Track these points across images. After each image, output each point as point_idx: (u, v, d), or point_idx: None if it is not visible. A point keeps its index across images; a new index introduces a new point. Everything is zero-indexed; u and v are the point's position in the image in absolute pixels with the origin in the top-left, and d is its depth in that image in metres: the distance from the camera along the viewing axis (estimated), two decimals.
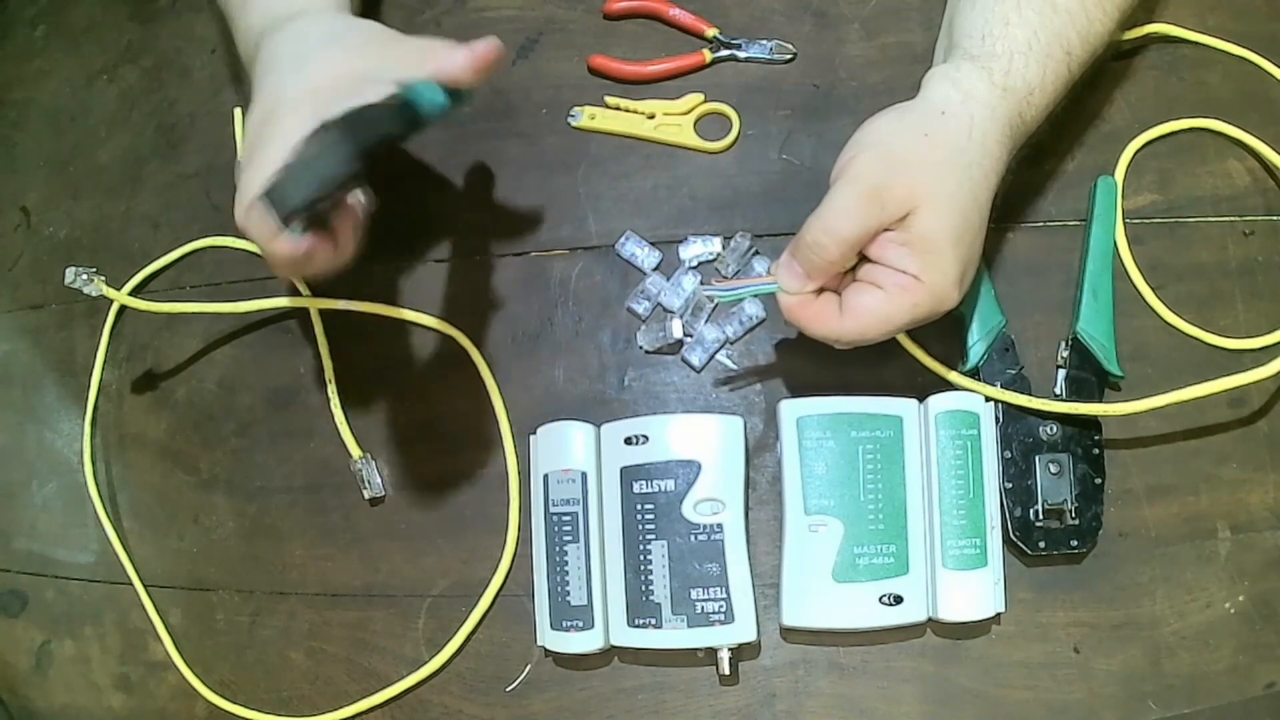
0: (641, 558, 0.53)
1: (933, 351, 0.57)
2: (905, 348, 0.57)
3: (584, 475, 0.55)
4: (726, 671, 0.54)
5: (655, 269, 0.60)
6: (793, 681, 0.55)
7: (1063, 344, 0.57)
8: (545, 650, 0.55)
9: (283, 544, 0.60)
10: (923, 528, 0.53)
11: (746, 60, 0.63)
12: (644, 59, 0.63)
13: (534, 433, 0.57)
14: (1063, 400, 0.55)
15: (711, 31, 0.63)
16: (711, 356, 0.59)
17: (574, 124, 0.63)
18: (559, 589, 0.54)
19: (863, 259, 0.49)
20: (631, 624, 0.53)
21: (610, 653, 0.56)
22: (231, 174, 0.65)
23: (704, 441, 0.54)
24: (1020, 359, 0.56)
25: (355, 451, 0.59)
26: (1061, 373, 0.56)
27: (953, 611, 0.52)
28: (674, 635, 0.53)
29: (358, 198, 0.51)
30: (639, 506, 0.54)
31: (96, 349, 0.64)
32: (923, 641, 0.55)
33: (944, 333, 0.57)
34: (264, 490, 0.61)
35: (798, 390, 0.58)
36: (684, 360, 0.59)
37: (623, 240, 0.60)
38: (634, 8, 0.65)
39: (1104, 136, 0.61)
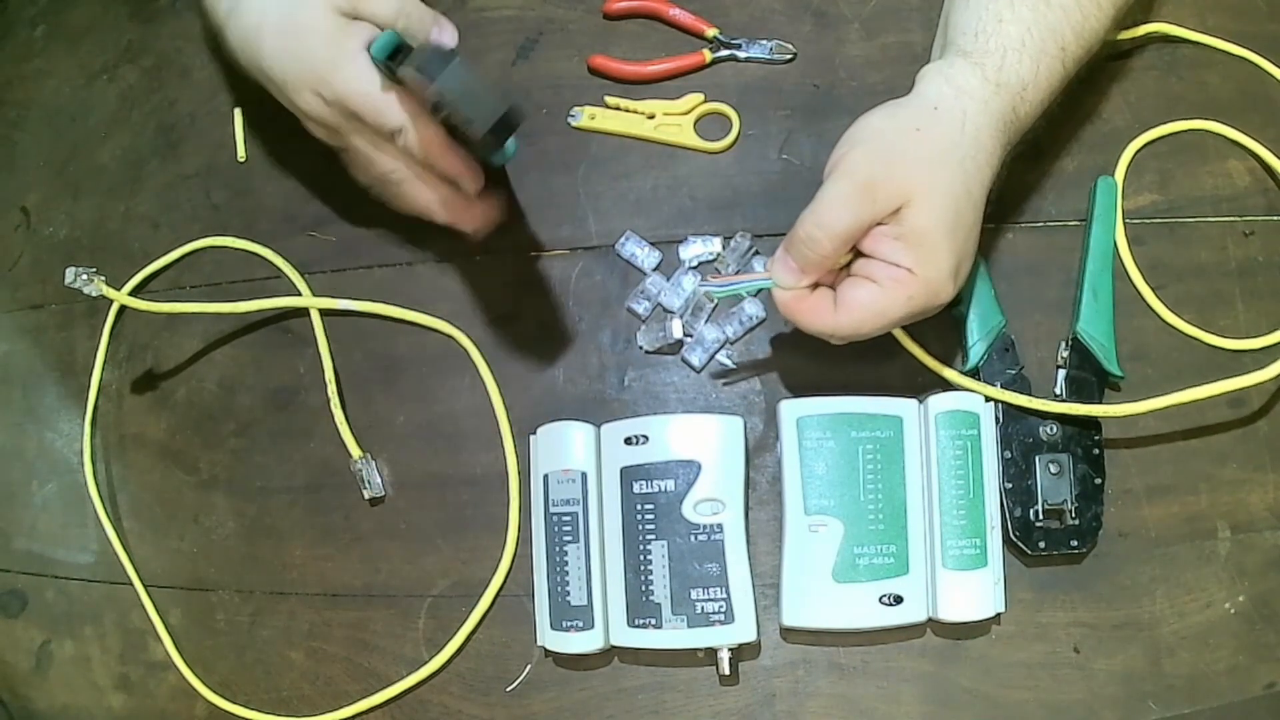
0: (641, 558, 0.53)
1: (933, 351, 0.57)
2: (905, 347, 0.57)
3: (584, 475, 0.55)
4: (726, 671, 0.54)
5: (655, 269, 0.60)
6: (793, 681, 0.55)
7: (1063, 344, 0.57)
8: (545, 650, 0.55)
9: (283, 544, 0.60)
10: (923, 528, 0.53)
11: (746, 60, 0.63)
12: (644, 59, 0.63)
13: (534, 433, 0.57)
14: (1063, 400, 0.55)
15: (711, 31, 0.63)
16: (711, 356, 0.59)
17: (574, 124, 0.63)
18: (559, 589, 0.54)
19: (857, 254, 0.49)
20: (631, 624, 0.53)
21: (610, 653, 0.56)
22: (231, 174, 0.66)
23: (704, 441, 0.54)
24: (1020, 359, 0.56)
25: (355, 451, 0.59)
26: (1061, 373, 0.56)
27: (953, 611, 0.52)
28: (674, 635, 0.53)
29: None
30: (639, 506, 0.54)
31: (96, 349, 0.64)
32: (923, 641, 0.55)
33: (944, 332, 0.57)
34: (264, 490, 0.61)
35: (798, 390, 0.58)
36: (684, 360, 0.59)
37: (623, 240, 0.60)
38: (634, 8, 0.65)
39: (1104, 136, 0.61)
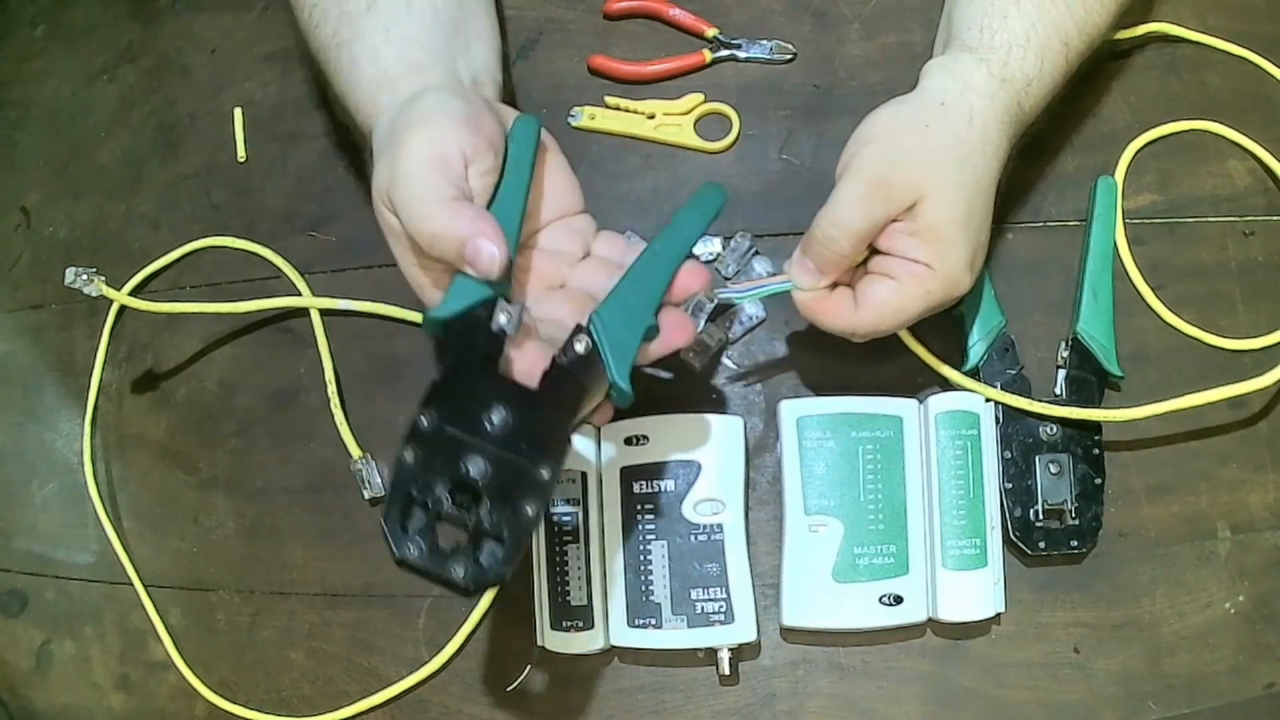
0: (641, 558, 0.53)
1: (933, 351, 0.57)
2: (908, 345, 0.57)
3: (584, 475, 0.55)
4: (726, 671, 0.54)
5: None
6: (793, 681, 0.55)
7: (1063, 344, 0.57)
8: (545, 650, 0.55)
9: (283, 544, 0.60)
10: (923, 528, 0.53)
11: (746, 60, 0.63)
12: (644, 59, 0.63)
13: None
14: (1063, 400, 0.55)
15: (711, 31, 0.63)
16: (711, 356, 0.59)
17: (574, 124, 0.63)
18: (559, 589, 0.54)
19: (874, 251, 0.49)
20: (631, 624, 0.53)
21: (610, 653, 0.56)
22: (231, 174, 0.66)
23: (704, 442, 0.54)
24: (1020, 359, 0.56)
25: (355, 451, 0.59)
26: (1061, 373, 0.56)
27: (953, 611, 0.52)
28: (674, 635, 0.53)
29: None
30: (639, 506, 0.54)
31: (96, 349, 0.64)
32: (923, 641, 0.55)
33: (944, 333, 0.57)
34: (264, 490, 0.61)
35: (798, 390, 0.58)
36: (684, 360, 0.59)
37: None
38: (634, 8, 0.65)
39: (1104, 136, 0.61)
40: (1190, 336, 0.58)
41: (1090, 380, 0.56)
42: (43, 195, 0.69)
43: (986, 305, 0.56)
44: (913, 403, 0.55)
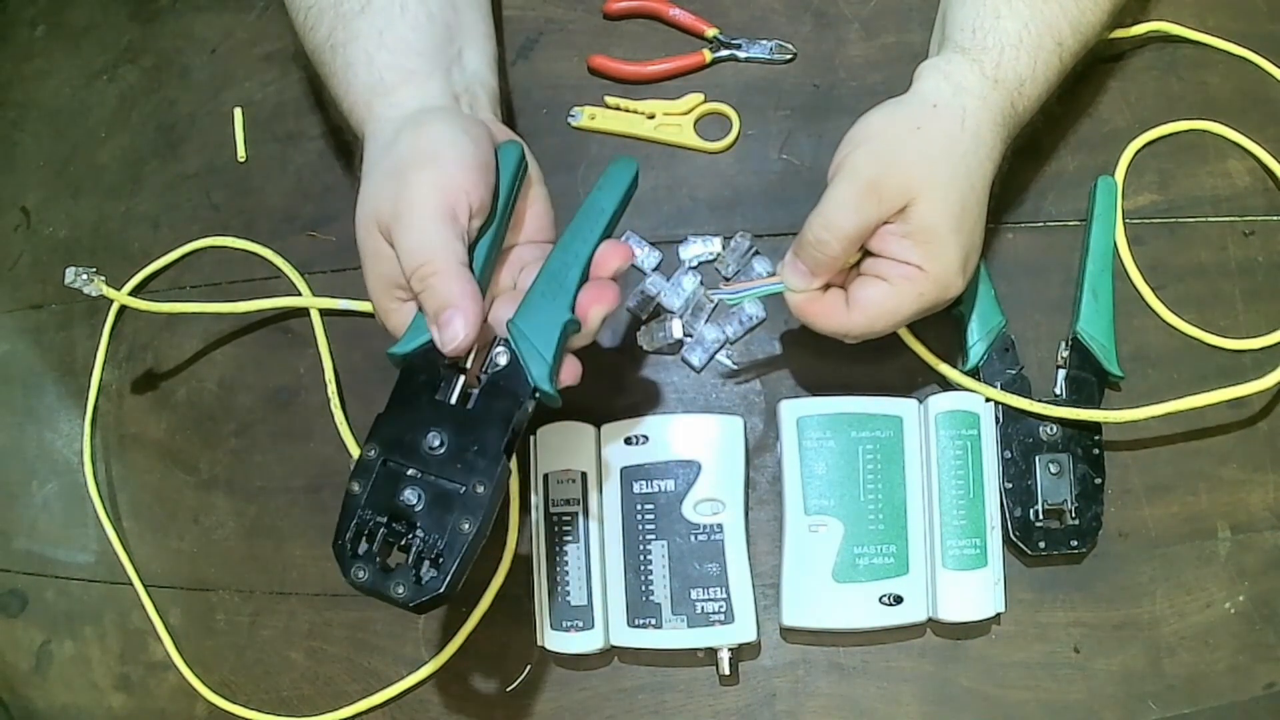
0: (641, 558, 0.53)
1: (933, 351, 0.57)
2: (908, 344, 0.57)
3: (584, 475, 0.55)
4: (726, 671, 0.54)
5: (655, 269, 0.60)
6: (793, 681, 0.55)
7: (1063, 344, 0.57)
8: (545, 650, 0.55)
9: (283, 544, 0.60)
10: (923, 528, 0.53)
11: (746, 60, 0.63)
12: (644, 59, 0.63)
13: (534, 433, 0.57)
14: (1063, 400, 0.55)
15: (711, 31, 0.63)
16: (711, 356, 0.59)
17: (574, 124, 0.63)
18: (559, 589, 0.54)
19: (866, 253, 0.49)
20: (631, 624, 0.53)
21: (610, 653, 0.56)
22: (231, 174, 0.66)
23: (704, 441, 0.54)
24: (1020, 359, 0.56)
25: (355, 451, 0.59)
26: (1061, 373, 0.56)
27: (953, 611, 0.52)
28: (674, 635, 0.53)
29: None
30: (639, 506, 0.54)
31: (96, 349, 0.64)
32: (923, 641, 0.55)
33: (944, 332, 0.57)
34: (264, 490, 0.61)
35: (798, 390, 0.58)
36: (684, 360, 0.59)
37: (623, 240, 0.60)
38: (634, 8, 0.65)
39: (1104, 136, 0.61)
40: (1190, 336, 0.58)
41: (1090, 380, 0.56)
42: (43, 195, 0.69)
43: (986, 305, 0.56)
44: (913, 403, 0.55)
